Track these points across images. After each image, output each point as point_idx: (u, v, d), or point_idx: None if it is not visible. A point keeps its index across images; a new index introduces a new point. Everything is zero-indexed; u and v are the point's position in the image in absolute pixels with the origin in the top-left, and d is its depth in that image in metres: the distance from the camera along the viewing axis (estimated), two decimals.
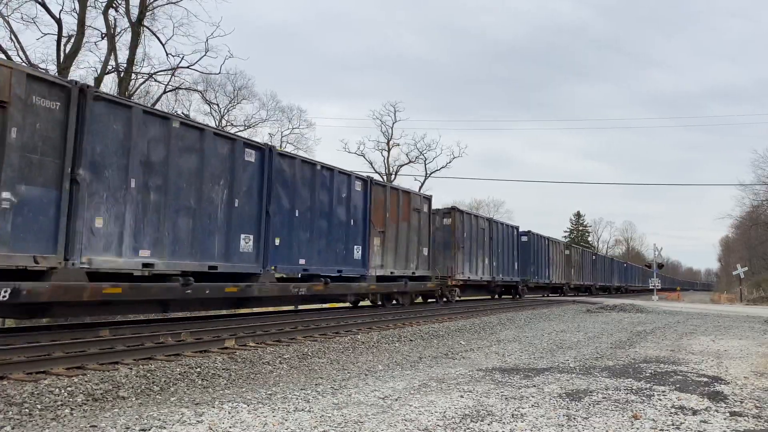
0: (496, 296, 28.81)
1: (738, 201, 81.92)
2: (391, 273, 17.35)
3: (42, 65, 23.28)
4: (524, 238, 31.08)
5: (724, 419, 5.30)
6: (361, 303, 18.41)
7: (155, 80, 28.95)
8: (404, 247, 18.17)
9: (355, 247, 15.59)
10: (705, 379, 7.38)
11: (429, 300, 22.15)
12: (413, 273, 18.63)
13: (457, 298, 23.12)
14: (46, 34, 24.58)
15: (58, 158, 8.28)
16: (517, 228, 29.69)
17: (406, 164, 54.82)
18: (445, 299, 22.03)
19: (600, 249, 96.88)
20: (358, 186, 15.79)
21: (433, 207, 21.42)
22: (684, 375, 7.69)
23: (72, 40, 23.06)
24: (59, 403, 5.47)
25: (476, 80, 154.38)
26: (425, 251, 19.57)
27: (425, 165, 54.74)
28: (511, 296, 29.59)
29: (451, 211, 22.94)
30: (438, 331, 12.69)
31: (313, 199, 13.94)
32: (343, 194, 15.12)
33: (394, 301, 18.51)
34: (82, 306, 9.07)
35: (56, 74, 21.58)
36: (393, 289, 17.60)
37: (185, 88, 32.52)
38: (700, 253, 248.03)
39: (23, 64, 20.15)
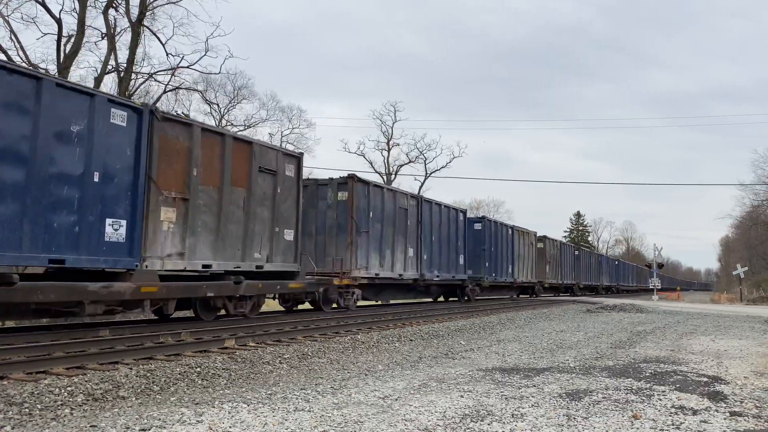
0: (440, 298, 24.16)
1: (738, 201, 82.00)
2: (204, 267, 11.02)
3: (42, 65, 23.31)
4: (477, 226, 25.30)
5: (724, 419, 5.30)
6: (177, 314, 11.81)
7: (155, 80, 28.95)
8: (239, 226, 11.88)
9: (111, 221, 9.35)
10: (705, 379, 7.38)
11: (334, 307, 16.25)
12: (260, 267, 12.35)
13: (360, 303, 17.23)
14: (46, 34, 24.56)
15: None
16: (464, 212, 24.01)
17: (406, 164, 54.95)
18: (334, 305, 16.13)
19: (600, 249, 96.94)
20: (118, 117, 9.50)
21: (330, 176, 16.64)
22: (684, 375, 7.69)
23: (72, 40, 23.06)
24: (59, 402, 5.47)
25: (476, 80, 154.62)
26: (288, 235, 13.30)
27: (425, 165, 54.84)
28: (456, 298, 24.41)
29: (349, 180, 16.44)
30: (438, 331, 12.70)
31: None
32: (73, 127, 8.84)
33: (223, 311, 12.16)
34: None
35: (56, 74, 21.64)
36: (207, 292, 11.00)
37: (185, 88, 32.52)
38: (700, 253, 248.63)
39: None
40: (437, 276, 21.04)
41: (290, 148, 40.07)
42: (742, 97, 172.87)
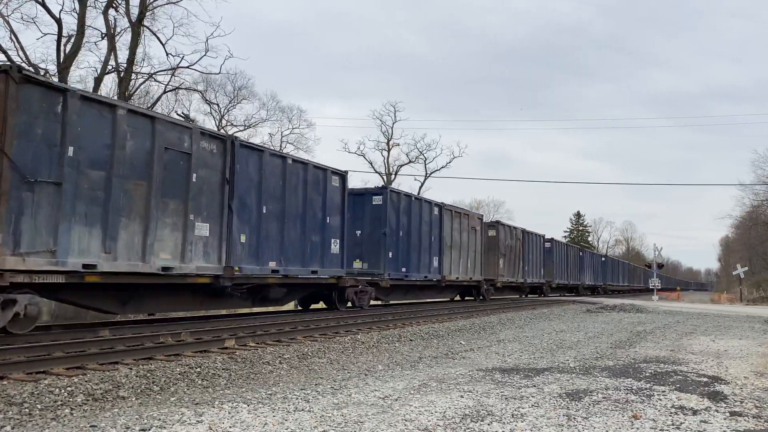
0: (320, 304, 15.99)
1: (738, 201, 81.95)
2: None
3: (42, 65, 23.33)
4: (377, 200, 17.70)
5: (724, 419, 5.30)
6: None
7: (155, 80, 28.96)
8: None
9: None
10: (705, 379, 7.38)
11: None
12: None
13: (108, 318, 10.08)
14: (46, 34, 24.57)
15: None
16: (341, 175, 15.43)
17: (406, 164, 54.88)
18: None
19: (600, 249, 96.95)
20: None
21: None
22: (684, 375, 7.70)
23: (72, 40, 23.07)
24: (59, 403, 5.47)
25: (476, 80, 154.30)
26: None
27: (425, 165, 54.70)
28: (330, 306, 15.75)
29: (2, 77, 8.12)
30: (438, 331, 12.69)
31: None
32: None
33: None
34: None
35: (57, 74, 21.67)
36: None
37: (185, 88, 32.53)
38: (700, 253, 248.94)
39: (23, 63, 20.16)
40: (276, 270, 13.01)
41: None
42: (742, 97, 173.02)
